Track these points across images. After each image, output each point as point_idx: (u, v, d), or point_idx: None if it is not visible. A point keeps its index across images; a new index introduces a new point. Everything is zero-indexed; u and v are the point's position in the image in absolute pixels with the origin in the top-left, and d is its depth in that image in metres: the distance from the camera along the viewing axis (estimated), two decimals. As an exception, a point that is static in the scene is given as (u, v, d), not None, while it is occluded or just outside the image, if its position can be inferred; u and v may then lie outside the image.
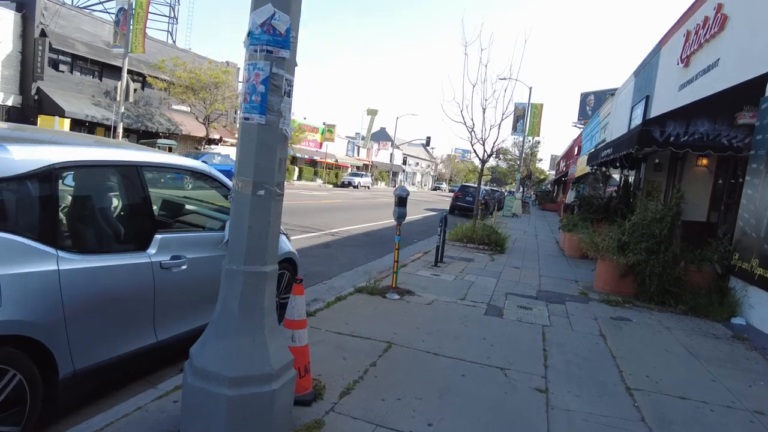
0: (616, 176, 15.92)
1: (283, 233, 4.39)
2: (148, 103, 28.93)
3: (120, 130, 21.79)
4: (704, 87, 8.72)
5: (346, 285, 6.32)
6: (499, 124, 11.18)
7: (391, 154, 61.32)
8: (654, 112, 12.15)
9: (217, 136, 32.87)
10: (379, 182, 59.99)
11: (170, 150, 24.68)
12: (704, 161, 9.51)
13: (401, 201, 5.63)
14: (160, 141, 24.22)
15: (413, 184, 77.96)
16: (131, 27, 22.20)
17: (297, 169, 41.00)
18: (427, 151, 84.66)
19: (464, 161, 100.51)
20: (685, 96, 9.78)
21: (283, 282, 4.39)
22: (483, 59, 11.29)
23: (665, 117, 7.10)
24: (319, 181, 42.99)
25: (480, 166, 11.50)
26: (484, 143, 11.22)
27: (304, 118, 44.12)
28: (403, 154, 72.25)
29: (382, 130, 74.95)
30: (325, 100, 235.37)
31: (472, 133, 11.19)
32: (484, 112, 11.26)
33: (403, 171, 72.78)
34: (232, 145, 34.71)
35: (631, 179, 12.97)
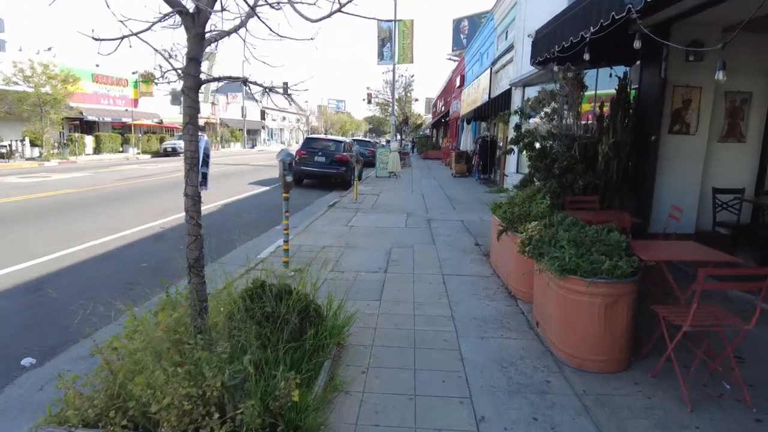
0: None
1: None
2: None
3: None
4: None
5: None
6: None
7: (243, 108, 49.87)
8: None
9: None
10: (232, 144, 48.64)
11: None
12: None
13: None
14: None
15: (282, 142, 67.25)
16: None
17: (91, 139, 28.63)
18: (294, 102, 73.39)
19: (339, 112, 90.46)
20: None
21: None
22: None
23: None
24: (133, 151, 31.14)
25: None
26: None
27: (97, 65, 31.10)
28: (262, 107, 60.65)
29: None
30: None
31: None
32: None
33: (264, 128, 61.46)
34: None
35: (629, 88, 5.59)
